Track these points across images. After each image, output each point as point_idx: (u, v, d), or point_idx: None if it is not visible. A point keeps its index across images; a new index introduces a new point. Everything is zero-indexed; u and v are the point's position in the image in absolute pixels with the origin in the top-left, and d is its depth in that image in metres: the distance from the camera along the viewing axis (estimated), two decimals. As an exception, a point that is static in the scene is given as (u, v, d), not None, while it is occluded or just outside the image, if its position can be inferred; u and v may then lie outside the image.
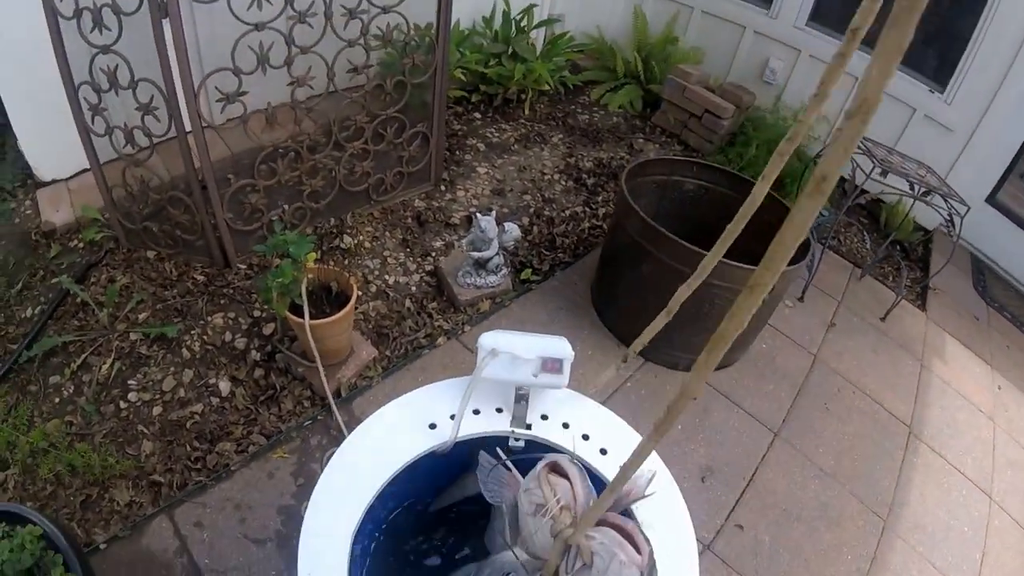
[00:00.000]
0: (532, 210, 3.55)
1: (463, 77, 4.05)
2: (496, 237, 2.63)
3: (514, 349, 1.14)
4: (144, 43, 2.18)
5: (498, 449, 1.09)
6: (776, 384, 2.88)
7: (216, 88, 2.38)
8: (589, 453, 1.19)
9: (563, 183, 3.81)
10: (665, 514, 1.16)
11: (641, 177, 2.77)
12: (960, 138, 4.05)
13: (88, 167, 2.66)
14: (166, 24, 2.11)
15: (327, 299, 2.36)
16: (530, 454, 1.17)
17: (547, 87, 4.31)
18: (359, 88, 2.77)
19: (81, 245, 3.02)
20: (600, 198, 3.73)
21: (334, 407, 2.31)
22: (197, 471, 2.20)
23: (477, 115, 4.28)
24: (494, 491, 1.05)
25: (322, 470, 1.95)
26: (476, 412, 1.21)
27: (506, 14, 4.23)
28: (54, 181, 3.35)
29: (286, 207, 2.88)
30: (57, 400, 2.39)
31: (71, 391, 2.42)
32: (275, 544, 2.02)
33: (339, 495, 1.08)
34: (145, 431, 2.31)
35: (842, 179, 3.46)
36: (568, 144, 4.17)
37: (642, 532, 0.89)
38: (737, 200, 2.55)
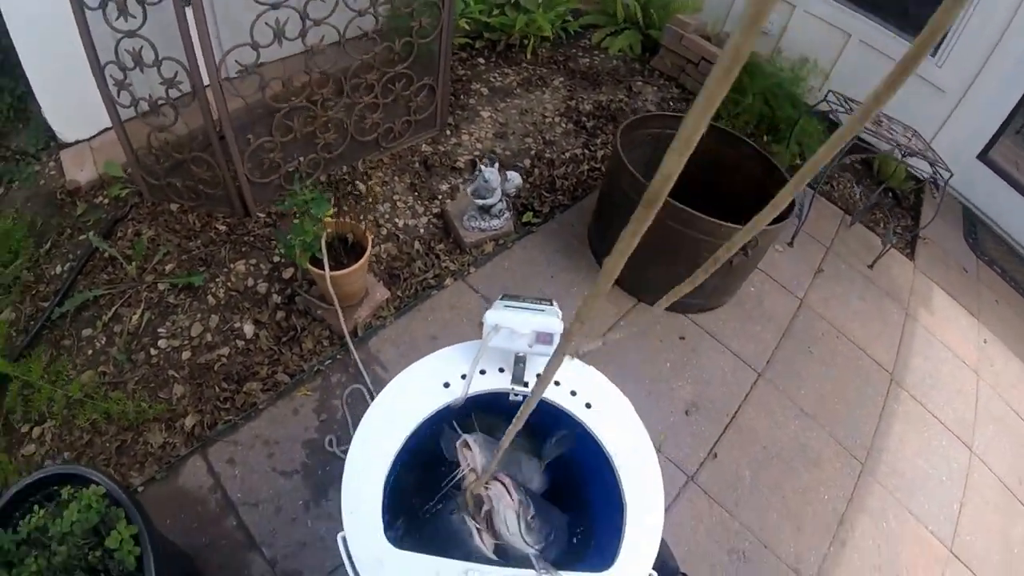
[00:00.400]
0: (533, 152, 3.62)
1: (467, 27, 4.08)
2: (499, 185, 2.71)
3: (513, 325, 1.24)
4: (167, 26, 2.23)
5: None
6: (763, 326, 2.97)
7: (236, 61, 2.42)
8: (576, 406, 1.32)
9: (563, 126, 3.86)
10: (619, 423, 1.31)
11: (637, 130, 2.84)
12: (952, 98, 4.07)
13: (110, 126, 2.70)
14: (188, 11, 2.16)
15: (344, 249, 2.47)
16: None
17: (548, 34, 4.30)
18: (369, 51, 2.80)
19: (106, 201, 3.10)
20: (599, 140, 3.79)
21: (352, 346, 2.42)
22: (226, 411, 2.34)
23: (481, 60, 4.30)
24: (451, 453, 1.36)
25: (345, 408, 2.05)
26: (482, 372, 1.34)
27: (510, -40, 4.20)
28: (77, 142, 3.41)
29: (301, 159, 2.96)
30: (90, 352, 2.51)
31: (103, 342, 2.54)
32: (301, 476, 2.17)
33: (372, 443, 1.21)
34: (175, 375, 2.44)
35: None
36: (569, 87, 4.20)
37: (513, 485, 1.28)
38: (727, 152, 2.60)
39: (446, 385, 1.30)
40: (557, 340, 1.22)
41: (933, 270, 3.72)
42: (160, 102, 2.51)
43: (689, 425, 2.51)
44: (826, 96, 3.49)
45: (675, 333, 2.78)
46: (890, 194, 4.15)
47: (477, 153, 3.51)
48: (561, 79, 4.25)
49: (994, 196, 4.27)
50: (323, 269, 2.26)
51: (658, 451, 2.22)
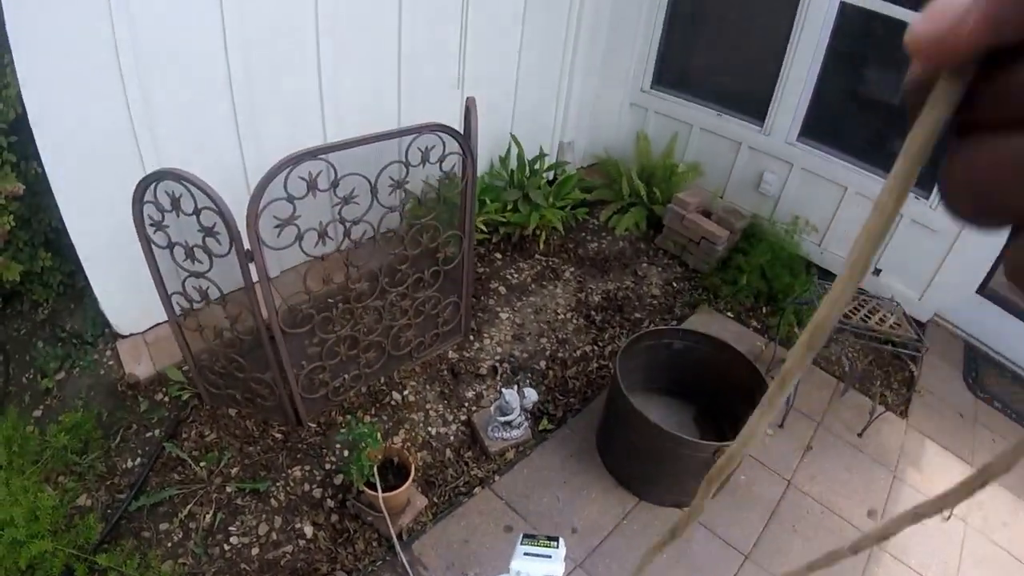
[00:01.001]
0: (548, 353, 4.72)
1: (484, 226, 5.31)
2: (518, 404, 3.84)
3: (530, 573, 2.23)
4: (232, 267, 3.27)
5: None
6: (751, 511, 3.87)
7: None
8: None
9: (575, 322, 4.98)
10: None
11: (636, 344, 3.91)
12: (946, 237, 4.97)
13: (163, 320, 3.80)
14: (252, 266, 3.25)
15: (391, 469, 3.58)
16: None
17: (559, 227, 5.49)
18: (399, 252, 3.94)
19: (167, 400, 4.24)
20: (607, 335, 4.89)
21: (399, 550, 3.49)
22: (294, 603, 3.40)
23: (498, 255, 5.52)
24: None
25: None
26: None
27: (520, 157, 5.51)
28: (131, 335, 4.57)
29: (346, 376, 4.12)
30: (169, 544, 3.58)
31: (180, 536, 3.61)
32: (367, 661, 3.20)
33: None
34: (248, 569, 3.49)
35: None
36: (579, 277, 5.37)
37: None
38: (712, 356, 3.79)
39: None
40: None
41: (926, 424, 4.52)
42: (223, 331, 3.67)
43: None
44: (812, 285, 4.50)
45: (671, 526, 3.77)
46: (889, 345, 4.75)
47: (498, 358, 4.63)
48: (572, 269, 5.43)
49: (996, 326, 5.14)
50: (376, 491, 3.36)
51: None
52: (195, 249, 3.25)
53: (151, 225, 3.24)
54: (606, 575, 3.51)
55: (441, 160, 3.65)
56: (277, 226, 3.15)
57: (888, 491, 4.10)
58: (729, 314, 5.21)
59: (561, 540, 2.33)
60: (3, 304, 4.80)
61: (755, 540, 3.75)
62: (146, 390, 4.31)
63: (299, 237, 3.27)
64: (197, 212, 3.10)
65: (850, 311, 4.29)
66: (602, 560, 3.56)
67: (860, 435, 4.36)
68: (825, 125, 5.32)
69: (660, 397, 4.30)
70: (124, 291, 4.23)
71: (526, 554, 2.31)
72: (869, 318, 4.30)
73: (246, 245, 3.12)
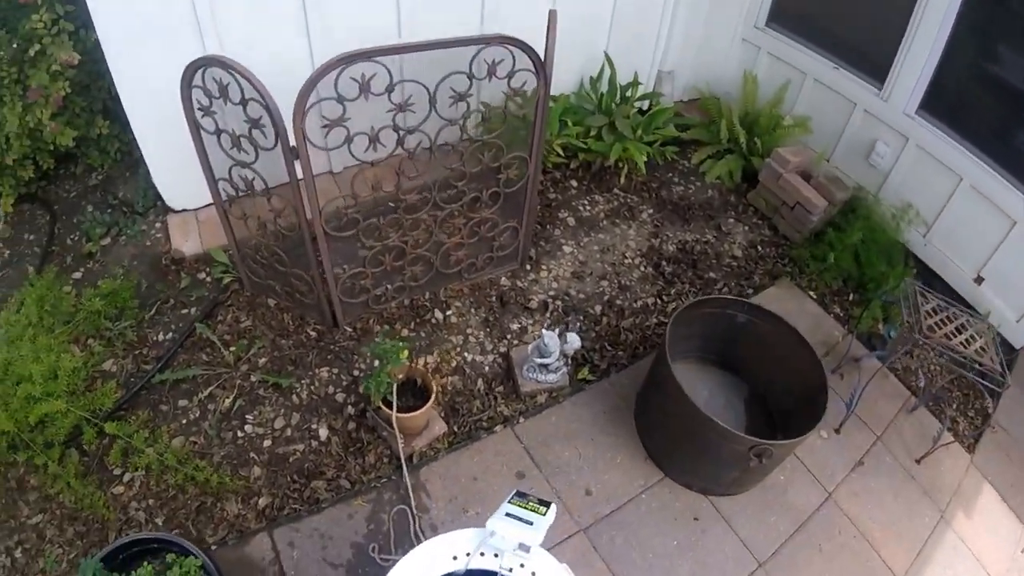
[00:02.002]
0: (606, 298, 4.66)
1: (561, 152, 5.21)
2: (557, 348, 3.82)
3: (504, 535, 2.21)
4: (279, 163, 3.32)
5: None
6: (779, 517, 3.76)
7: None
8: None
9: (642, 269, 4.89)
10: None
11: (695, 309, 3.79)
12: None
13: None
14: (297, 163, 3.30)
15: (413, 389, 3.64)
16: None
17: (641, 166, 5.34)
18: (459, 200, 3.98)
19: (209, 280, 4.40)
20: (674, 290, 4.77)
21: (406, 472, 3.58)
22: (294, 500, 3.52)
23: (573, 183, 5.42)
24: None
25: (390, 524, 3.27)
26: (481, 554, 2.29)
27: (611, 80, 5.36)
28: (183, 210, 4.72)
29: (389, 286, 4.17)
30: (184, 421, 3.77)
31: (196, 415, 3.79)
32: (344, 570, 3.32)
33: None
34: (256, 458, 3.66)
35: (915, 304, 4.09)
36: (656, 221, 5.24)
37: None
38: (777, 338, 3.68)
39: (454, 558, 2.27)
40: (534, 549, 2.30)
41: (991, 465, 4.26)
42: (266, 223, 3.76)
43: None
44: (903, 283, 4.24)
45: (691, 513, 3.68)
46: (976, 366, 4.49)
47: (552, 293, 4.60)
48: (650, 211, 5.30)
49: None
50: (391, 410, 3.43)
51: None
52: (241, 139, 3.32)
53: (199, 110, 3.32)
54: (608, 546, 3.52)
55: (510, 76, 3.56)
56: (325, 126, 3.17)
57: (930, 532, 3.89)
58: (812, 293, 5.02)
59: (553, 508, 2.30)
60: (56, 165, 4.98)
61: (775, 549, 3.67)
62: (190, 267, 4.49)
63: (348, 140, 3.28)
64: (244, 102, 3.14)
65: (937, 323, 4.05)
66: (608, 530, 3.58)
67: (919, 461, 4.16)
68: (948, 101, 4.95)
69: (715, 369, 4.22)
70: (176, 168, 4.35)
71: (508, 515, 2.29)
72: (955, 335, 4.05)
73: (291, 142, 3.15)
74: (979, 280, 5.00)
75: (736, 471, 3.55)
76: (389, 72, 3.19)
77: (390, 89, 3.26)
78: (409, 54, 3.22)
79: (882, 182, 5.37)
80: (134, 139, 4.39)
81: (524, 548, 2.24)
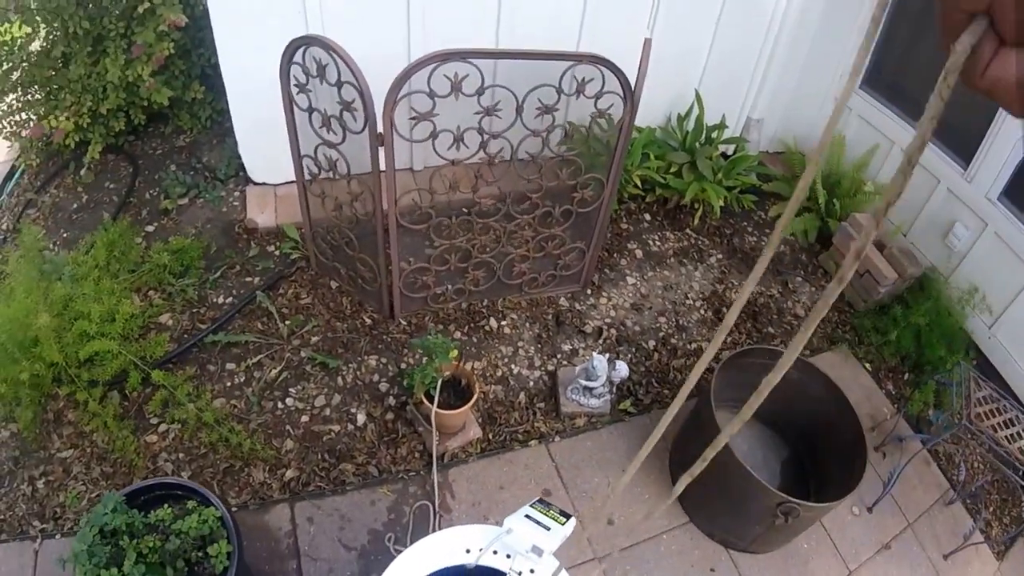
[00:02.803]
0: (662, 335, 4.68)
1: (639, 184, 5.25)
2: (605, 374, 3.86)
3: (519, 535, 2.26)
4: (363, 149, 3.47)
5: None
6: None
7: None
8: None
9: (701, 312, 4.90)
10: None
11: (747, 357, 3.81)
12: None
13: (295, 180, 4.04)
14: (380, 151, 3.42)
15: (456, 390, 3.71)
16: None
17: (716, 208, 5.34)
18: (531, 211, 4.06)
19: (277, 254, 4.55)
20: (730, 338, 4.75)
21: (435, 470, 3.66)
22: (321, 478, 3.62)
23: (647, 217, 5.48)
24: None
25: (411, 517, 3.33)
26: (494, 552, 2.35)
27: (699, 119, 5.39)
28: (264, 184, 4.89)
29: (450, 286, 4.27)
30: (228, 384, 3.91)
31: (241, 380, 3.93)
32: (358, 554, 3.41)
33: (410, 565, 2.30)
34: (291, 432, 3.77)
35: (967, 389, 4.02)
36: (724, 268, 5.25)
37: None
38: (826, 402, 3.64)
39: (467, 551, 2.33)
40: (546, 555, 2.37)
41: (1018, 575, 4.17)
42: (342, 205, 3.90)
43: None
44: (958, 367, 4.16)
45: (708, 563, 3.68)
46: (1020, 473, 4.45)
47: (608, 321, 4.64)
48: (719, 256, 5.32)
49: None
50: (433, 404, 3.50)
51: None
52: (332, 119, 3.47)
53: (295, 86, 3.48)
54: (619, 579, 3.54)
55: (598, 96, 3.62)
56: (413, 118, 3.30)
57: None
58: (867, 365, 4.96)
59: (572, 521, 2.35)
60: (147, 122, 5.23)
61: None
62: (261, 239, 4.66)
63: (433, 135, 3.40)
64: (339, 84, 3.29)
65: (986, 412, 3.97)
66: (623, 563, 3.59)
67: (946, 557, 4.07)
68: None
69: (757, 424, 4.22)
70: (263, 141, 4.53)
71: (527, 516, 2.35)
72: (1002, 428, 3.96)
73: (379, 128, 3.27)
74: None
75: (761, 527, 3.53)
76: (482, 75, 3.30)
77: (480, 92, 3.36)
78: (503, 60, 3.33)
79: (956, 265, 5.24)
80: (227, 108, 4.57)
81: (537, 551, 2.27)
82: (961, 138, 5.09)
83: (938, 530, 4.18)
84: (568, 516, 2.41)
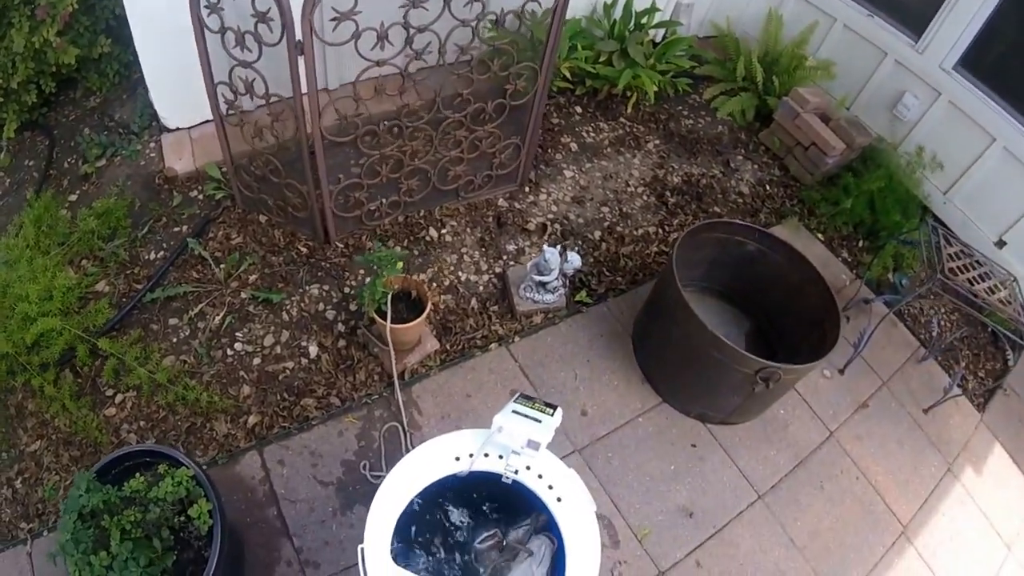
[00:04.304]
0: (607, 224, 4.54)
1: (569, 73, 5.05)
2: (558, 266, 3.71)
3: (511, 431, 2.14)
4: (280, 65, 3.21)
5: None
6: (779, 451, 3.71)
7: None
8: (550, 499, 2.20)
9: (644, 198, 4.77)
10: (579, 519, 2.19)
11: (705, 232, 3.70)
12: None
13: (211, 119, 3.79)
14: (300, 60, 3.16)
15: (407, 303, 3.53)
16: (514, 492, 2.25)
17: (651, 94, 5.18)
18: (463, 109, 3.84)
19: (201, 197, 4.29)
20: (676, 221, 4.66)
21: (397, 389, 3.50)
22: (284, 418, 3.45)
23: (578, 109, 5.28)
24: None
25: (381, 441, 3.20)
26: (486, 455, 2.24)
27: (627, 6, 5.17)
28: (178, 129, 4.63)
29: (383, 200, 4.05)
30: (174, 340, 3.69)
31: (187, 334, 3.71)
32: (335, 488, 3.27)
33: (397, 487, 2.15)
34: (245, 377, 3.58)
35: (937, 246, 3.96)
36: (662, 153, 5.10)
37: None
38: (789, 270, 3.54)
39: (456, 459, 2.21)
40: (542, 447, 2.27)
41: (1002, 426, 4.18)
42: (263, 128, 3.64)
43: (675, 527, 3.38)
44: (923, 226, 4.08)
45: (688, 439, 3.63)
46: (988, 329, 4.61)
47: (551, 216, 4.49)
48: (656, 142, 5.16)
49: None
50: (386, 320, 3.34)
51: (639, 543, 3.28)
52: (246, 36, 3.20)
53: (206, 7, 3.21)
54: (603, 468, 3.48)
55: None
56: (334, 19, 3.06)
57: (937, 482, 3.86)
58: (819, 236, 4.91)
59: (559, 411, 2.25)
60: (57, 90, 4.92)
61: (775, 483, 3.64)
62: (182, 185, 4.39)
63: (356, 36, 3.16)
64: (253, -5, 3.01)
65: (958, 267, 3.92)
66: (603, 451, 3.53)
67: (926, 411, 4.10)
68: (992, 60, 4.78)
69: (716, 301, 4.15)
70: (174, 82, 4.24)
71: (515, 412, 2.23)
72: (979, 281, 3.93)
73: (298, 35, 3.04)
74: (1001, 244, 4.89)
75: (739, 397, 3.46)
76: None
77: (404, -18, 3.13)
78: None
79: (906, 134, 5.24)
80: (134, 59, 4.29)
81: (533, 445, 2.18)
82: (911, 11, 5.04)
83: (913, 386, 4.20)
84: (554, 406, 2.31)
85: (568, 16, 4.95)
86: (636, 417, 3.68)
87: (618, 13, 5.27)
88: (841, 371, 4.14)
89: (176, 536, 2.55)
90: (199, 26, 3.30)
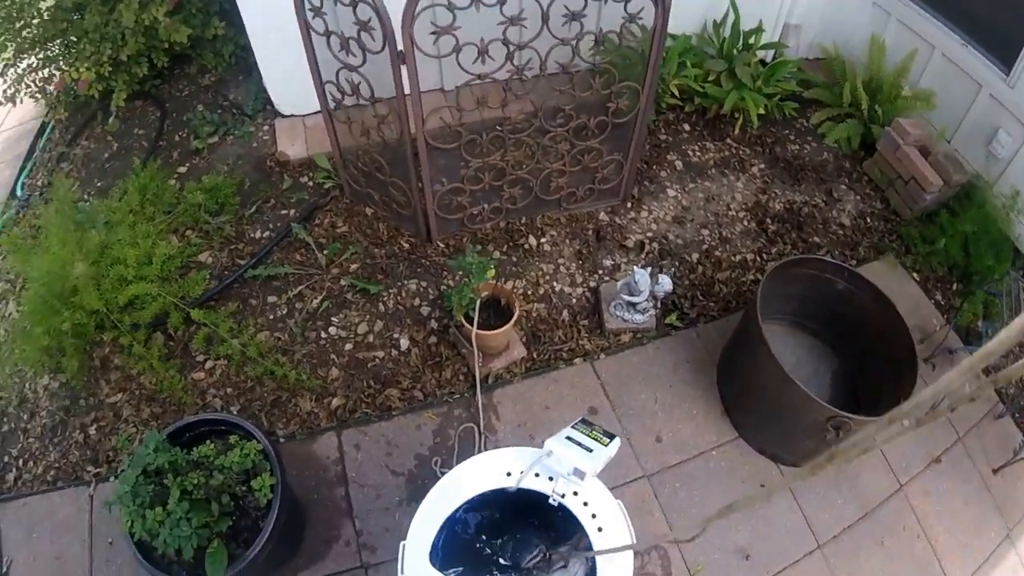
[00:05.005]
0: (705, 247, 4.50)
1: (678, 94, 5.03)
2: (647, 288, 3.71)
3: (560, 458, 2.17)
4: (385, 69, 3.30)
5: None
6: (847, 500, 3.62)
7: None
8: (591, 527, 2.20)
9: (745, 223, 4.71)
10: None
11: (795, 268, 3.65)
12: None
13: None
14: (403, 68, 3.25)
15: (496, 310, 3.61)
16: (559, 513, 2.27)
17: (754, 119, 5.10)
18: (566, 90, 3.79)
19: (310, 184, 4.45)
20: (775, 249, 4.58)
21: (479, 392, 3.59)
22: (367, 405, 3.59)
23: (686, 127, 5.25)
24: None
25: (456, 440, 3.28)
26: (536, 475, 2.27)
27: (736, 26, 5.12)
28: (292, 115, 4.77)
29: (486, 205, 4.14)
30: (271, 317, 3.86)
31: (283, 312, 3.87)
32: (405, 479, 3.39)
33: (449, 489, 2.24)
34: (335, 360, 3.72)
35: (1018, 298, 3.88)
36: (766, 177, 5.04)
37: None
38: (875, 313, 3.48)
39: (508, 474, 2.27)
40: (588, 478, 2.21)
41: None
42: (370, 130, 3.75)
43: (729, 567, 3.33)
44: (1008, 276, 3.98)
45: (758, 479, 3.58)
46: None
47: (650, 235, 4.49)
48: (761, 166, 5.09)
49: None
50: (472, 326, 3.42)
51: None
52: (350, 41, 3.30)
53: (310, 10, 3.31)
54: (669, 497, 3.48)
55: (627, 0, 3.39)
56: (434, 32, 3.12)
57: (994, 548, 3.70)
58: (915, 275, 4.75)
59: (616, 442, 2.26)
60: (170, 65, 5.13)
61: (837, 533, 3.55)
62: (293, 170, 4.57)
63: (456, 49, 3.21)
64: (354, 3, 3.12)
65: None
66: (672, 480, 3.53)
67: (996, 471, 3.94)
68: None
69: (807, 336, 4.07)
70: (287, 73, 4.39)
71: (568, 438, 2.25)
72: None
73: (399, 46, 3.12)
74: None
75: (811, 442, 3.40)
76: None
77: (502, 1, 3.19)
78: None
79: (1001, 172, 4.96)
80: (249, 43, 4.42)
81: (579, 474, 2.19)
82: (1002, 42, 4.77)
83: (987, 443, 4.04)
84: (612, 436, 2.30)
85: (678, 32, 5.04)
86: (710, 450, 3.66)
87: (727, 32, 5.22)
88: (919, 422, 3.99)
89: (236, 503, 2.68)
90: (305, 28, 3.43)
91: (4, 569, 3.14)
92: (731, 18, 5.22)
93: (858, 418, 3.09)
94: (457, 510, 2.25)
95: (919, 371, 3.30)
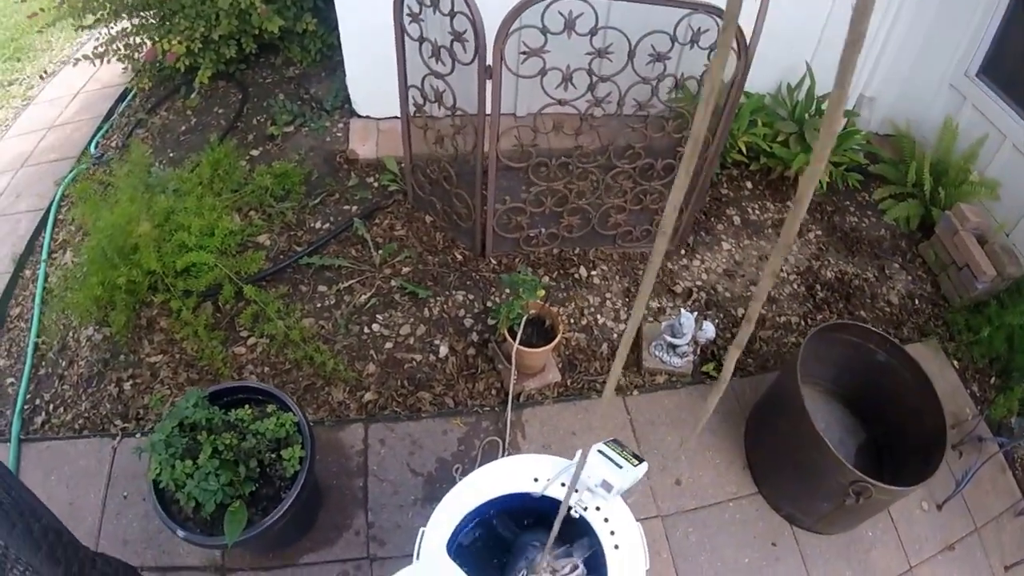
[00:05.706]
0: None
1: (744, 151, 5.08)
2: (691, 332, 3.76)
3: (591, 470, 2.21)
4: (469, 83, 3.44)
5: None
6: (854, 573, 3.59)
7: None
8: (608, 543, 2.25)
9: (794, 286, 4.72)
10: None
11: (837, 332, 3.67)
12: None
13: (398, 116, 4.06)
14: (488, 84, 3.37)
15: (539, 329, 3.66)
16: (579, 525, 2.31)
17: (826, 179, 5.14)
18: (633, 162, 3.96)
19: (375, 185, 4.58)
20: (820, 316, 4.57)
21: (509, 409, 3.63)
22: (398, 403, 3.65)
23: (749, 184, 5.29)
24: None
25: (479, 451, 3.34)
26: (563, 484, 2.32)
27: (810, 91, 5.17)
28: (368, 117, 4.93)
29: (543, 229, 4.22)
30: (319, 305, 3.96)
31: (331, 302, 3.97)
32: (424, 480, 3.44)
33: (475, 486, 2.29)
34: (374, 356, 3.80)
35: None
36: (822, 244, 5.05)
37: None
38: (912, 390, 3.50)
39: (535, 480, 2.32)
40: (614, 494, 2.24)
41: None
42: (444, 137, 3.87)
43: None
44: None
45: (771, 537, 3.57)
46: None
47: (699, 284, 4.52)
48: (818, 232, 5.11)
49: None
50: (515, 341, 3.47)
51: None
52: (441, 50, 3.42)
53: (408, 15, 3.46)
54: (680, 541, 3.48)
55: (712, 49, 3.47)
56: (523, 52, 3.22)
57: None
58: (955, 362, 4.72)
59: (644, 465, 2.29)
60: (257, 52, 5.35)
61: None
62: (361, 169, 4.72)
63: (542, 72, 3.32)
64: (452, 14, 3.24)
65: None
66: (685, 524, 3.53)
67: (1007, 568, 3.88)
68: None
69: (838, 406, 4.07)
70: (371, 74, 4.56)
71: (599, 452, 2.29)
72: None
73: (488, 61, 3.22)
74: None
75: (830, 505, 3.39)
76: (596, 15, 3.22)
77: (593, 32, 3.28)
78: (619, 1, 3.24)
79: None
80: (337, 43, 4.60)
81: (607, 487, 2.22)
82: None
83: (1004, 539, 3.99)
84: (641, 459, 2.32)
85: (753, 91, 5.09)
86: (727, 500, 3.66)
87: (801, 96, 5.27)
88: (939, 507, 3.96)
89: (263, 470, 2.74)
90: (400, 31, 3.58)
91: None
92: (807, 83, 5.27)
93: (881, 485, 3.09)
94: (480, 507, 2.30)
95: (946, 451, 3.30)
